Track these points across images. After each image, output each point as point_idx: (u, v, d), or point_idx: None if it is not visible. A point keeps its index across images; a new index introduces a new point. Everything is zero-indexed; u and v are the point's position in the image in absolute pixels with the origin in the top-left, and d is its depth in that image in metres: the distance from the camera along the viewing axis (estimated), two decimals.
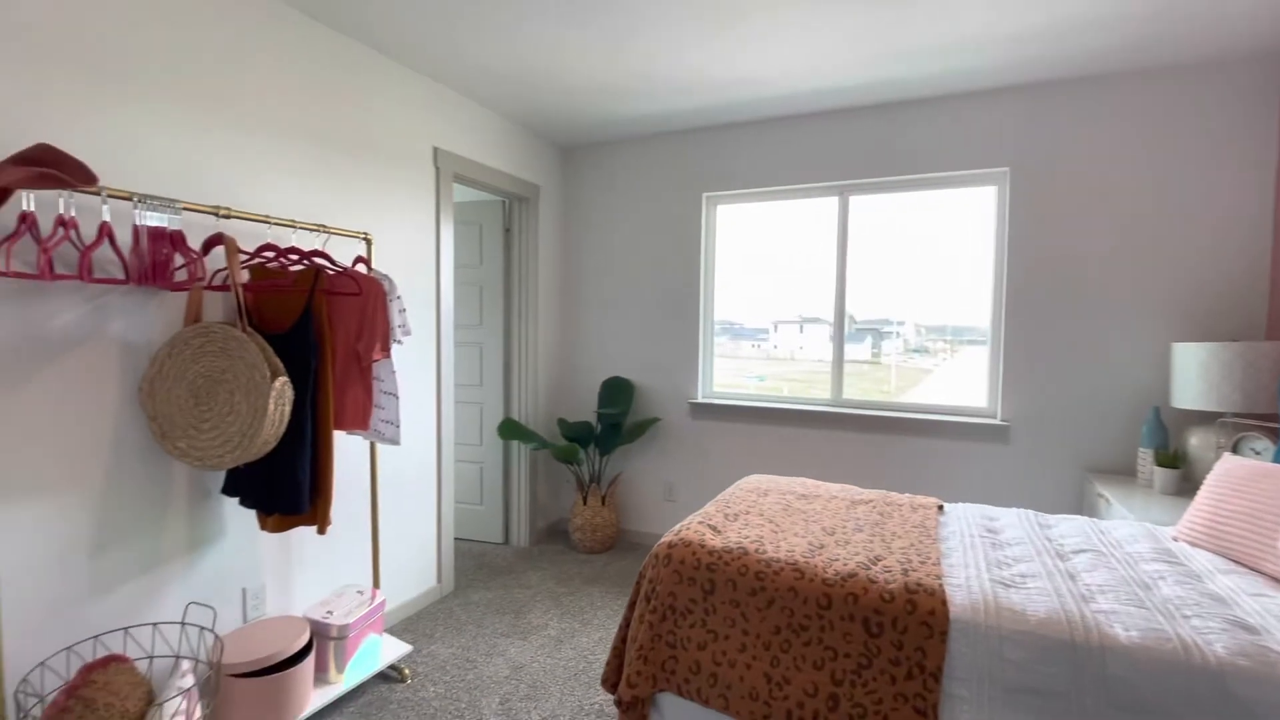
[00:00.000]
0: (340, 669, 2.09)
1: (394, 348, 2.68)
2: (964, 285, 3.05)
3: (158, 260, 1.70)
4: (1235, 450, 2.23)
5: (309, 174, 2.28)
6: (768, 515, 2.01)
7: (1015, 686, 1.35)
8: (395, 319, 2.20)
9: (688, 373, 3.59)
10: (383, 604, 2.28)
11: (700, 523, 1.90)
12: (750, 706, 1.55)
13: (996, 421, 2.91)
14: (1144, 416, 2.68)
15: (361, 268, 2.38)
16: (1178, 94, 2.59)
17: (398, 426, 2.19)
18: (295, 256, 1.99)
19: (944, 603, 1.44)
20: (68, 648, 1.59)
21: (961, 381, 3.09)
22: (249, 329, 1.75)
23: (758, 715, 1.54)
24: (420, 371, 2.84)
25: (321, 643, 2.07)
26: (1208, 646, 1.27)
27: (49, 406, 1.60)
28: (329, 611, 2.13)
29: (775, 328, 3.54)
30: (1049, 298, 2.82)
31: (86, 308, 1.67)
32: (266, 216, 1.96)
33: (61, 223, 1.51)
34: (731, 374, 3.62)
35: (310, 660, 1.96)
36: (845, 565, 1.62)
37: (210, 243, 1.80)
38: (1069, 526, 1.99)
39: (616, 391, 3.68)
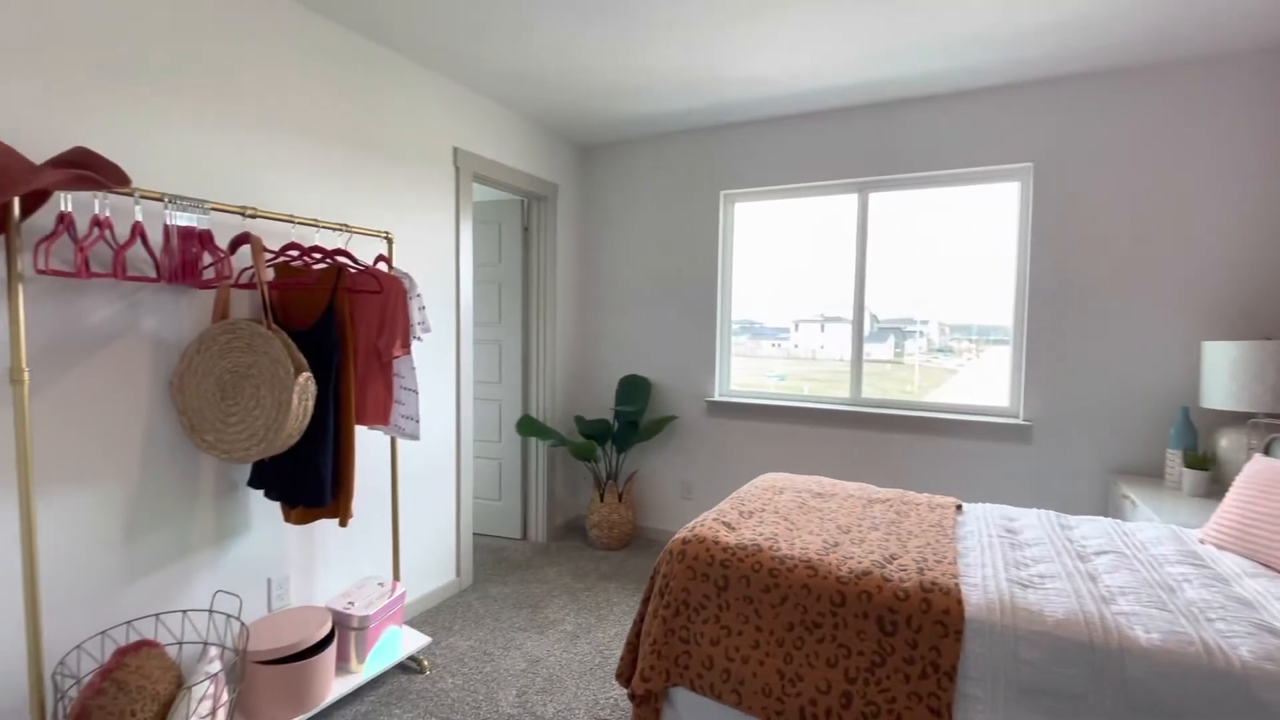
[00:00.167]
0: (361, 659, 2.13)
1: (414, 344, 2.73)
2: (988, 284, 3.01)
3: (187, 259, 1.75)
4: (1267, 452, 2.16)
5: (332, 174, 2.33)
6: (783, 513, 2.01)
7: (1031, 687, 1.33)
8: (415, 316, 2.24)
9: (705, 371, 3.60)
10: (402, 596, 2.32)
11: (715, 519, 1.90)
12: (763, 702, 1.55)
13: (1019, 421, 2.86)
14: (1172, 417, 2.62)
15: (383, 266, 2.43)
16: (1206, 86, 2.52)
17: (418, 422, 2.23)
18: (318, 255, 2.04)
19: (959, 602, 1.43)
20: (102, 632, 1.66)
21: (986, 382, 3.04)
22: (274, 326, 1.79)
23: (770, 711, 1.54)
24: (440, 368, 2.88)
25: (343, 633, 2.12)
26: (1232, 650, 1.24)
27: (85, 400, 1.67)
28: (350, 602, 2.18)
29: (796, 327, 3.52)
30: (1073, 295, 2.76)
31: (120, 305, 1.73)
32: (291, 216, 2.01)
33: (97, 223, 1.56)
34: (751, 373, 3.61)
35: (332, 650, 2.01)
36: (860, 563, 1.61)
37: (237, 242, 1.85)
38: (1091, 528, 1.95)
39: (634, 389, 3.69)
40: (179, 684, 1.61)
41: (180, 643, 1.80)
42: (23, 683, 1.56)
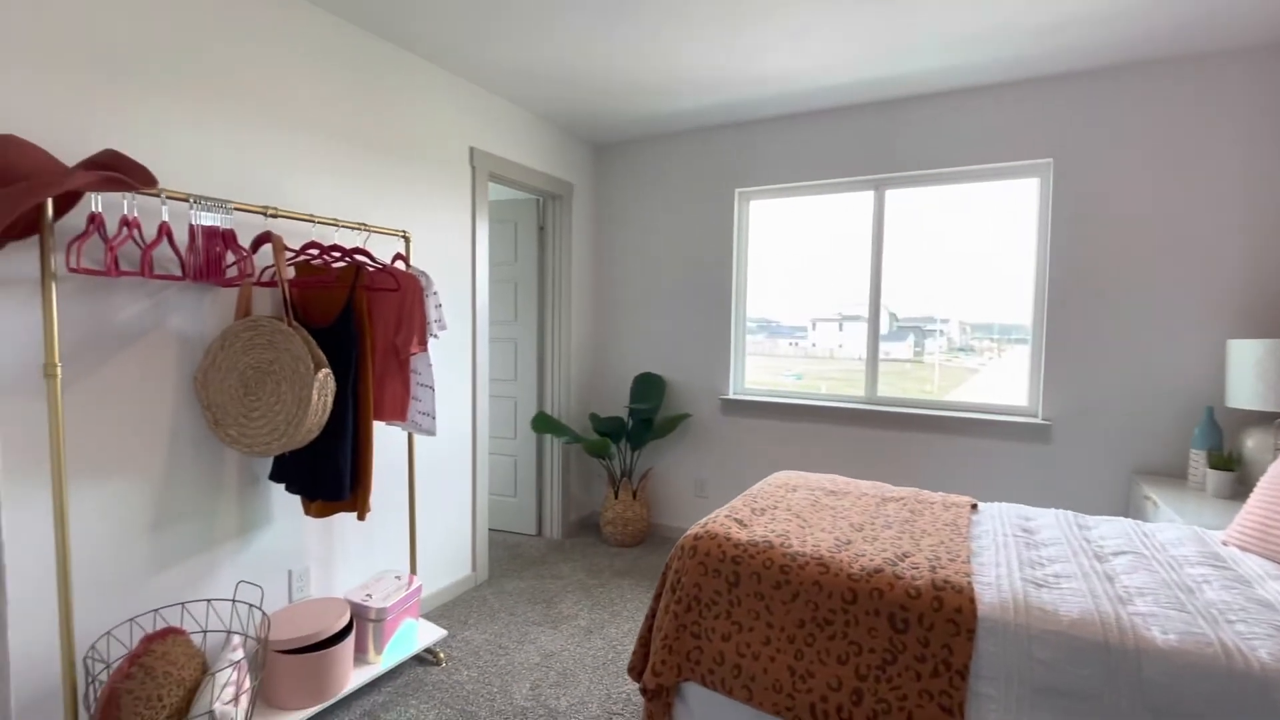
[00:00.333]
0: (379, 650, 2.17)
1: (431, 342, 2.77)
2: (1010, 282, 2.96)
3: (211, 257, 1.80)
4: None
5: (351, 174, 2.37)
6: (795, 511, 2.01)
7: (1045, 687, 1.32)
8: (432, 314, 2.27)
9: (719, 369, 3.60)
10: (419, 589, 2.36)
11: (727, 516, 1.91)
12: (773, 698, 1.56)
13: (1038, 420, 2.82)
14: (1196, 416, 2.56)
15: (400, 265, 2.47)
16: (1229, 78, 2.46)
17: (434, 418, 2.26)
18: (338, 254, 2.08)
19: (972, 600, 1.42)
20: (130, 619, 1.71)
21: (1008, 382, 3.00)
22: (294, 323, 1.84)
23: (781, 707, 1.55)
24: (456, 366, 2.92)
25: (361, 624, 2.16)
26: (1251, 652, 1.22)
27: (115, 395, 1.72)
28: (368, 595, 2.22)
29: (814, 325, 3.50)
30: (1094, 292, 2.72)
31: (147, 303, 1.78)
32: (311, 215, 2.05)
33: (125, 223, 1.61)
34: (768, 372, 3.60)
35: (351, 640, 2.05)
36: (871, 561, 1.61)
37: (259, 241, 1.89)
38: (1110, 528, 1.93)
39: (648, 387, 3.71)
40: (203, 670, 1.66)
41: (205, 631, 1.85)
42: (56, 667, 1.62)
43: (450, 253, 2.86)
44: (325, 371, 1.79)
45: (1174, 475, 2.61)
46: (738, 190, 3.51)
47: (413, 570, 2.52)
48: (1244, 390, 2.22)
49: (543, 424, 3.40)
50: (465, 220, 2.94)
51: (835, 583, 1.56)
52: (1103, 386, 2.72)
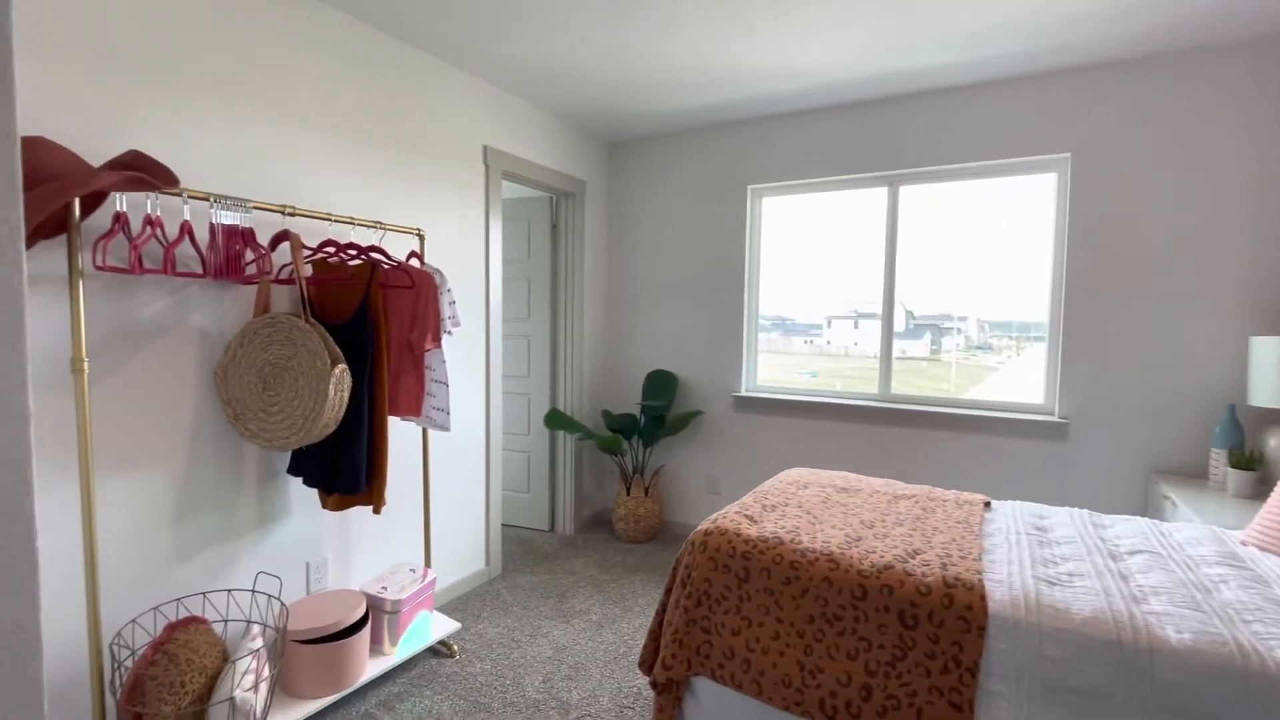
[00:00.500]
0: (394, 642, 2.21)
1: (445, 338, 2.80)
2: (1029, 279, 2.92)
3: (231, 255, 1.84)
4: None
5: (367, 173, 2.41)
6: (806, 507, 2.01)
7: (1057, 685, 1.32)
8: (446, 311, 2.30)
9: (732, 366, 3.60)
10: (433, 583, 2.39)
11: (737, 512, 1.92)
12: (783, 693, 1.56)
13: (1054, 418, 2.79)
14: (1217, 415, 2.52)
15: (415, 262, 2.50)
16: (1252, 70, 2.41)
17: (448, 414, 2.29)
18: (354, 251, 2.11)
19: (983, 598, 1.42)
20: (154, 608, 1.76)
21: (1027, 380, 2.97)
22: (312, 319, 1.87)
23: (790, 702, 1.55)
24: (470, 362, 2.95)
25: (377, 616, 2.20)
26: (1269, 652, 1.20)
27: (139, 389, 1.77)
28: (384, 587, 2.26)
29: (829, 323, 3.48)
30: (1112, 288, 2.68)
31: (170, 300, 1.83)
32: (328, 214, 2.08)
33: (149, 222, 1.65)
34: (783, 370, 3.59)
35: (366, 632, 2.09)
36: (882, 558, 1.61)
37: (277, 239, 1.93)
38: (1126, 527, 1.90)
39: (660, 384, 3.72)
40: (224, 658, 1.71)
41: (225, 620, 1.89)
42: (84, 653, 1.67)
43: (464, 250, 2.89)
44: (342, 367, 1.83)
45: (1194, 475, 2.57)
46: (750, 187, 3.50)
47: (427, 564, 2.56)
48: (1266, 388, 2.18)
49: (555, 420, 3.42)
50: (479, 218, 2.96)
51: (845, 579, 1.56)
52: (1121, 384, 2.68)
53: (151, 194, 1.69)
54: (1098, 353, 2.72)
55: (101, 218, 1.66)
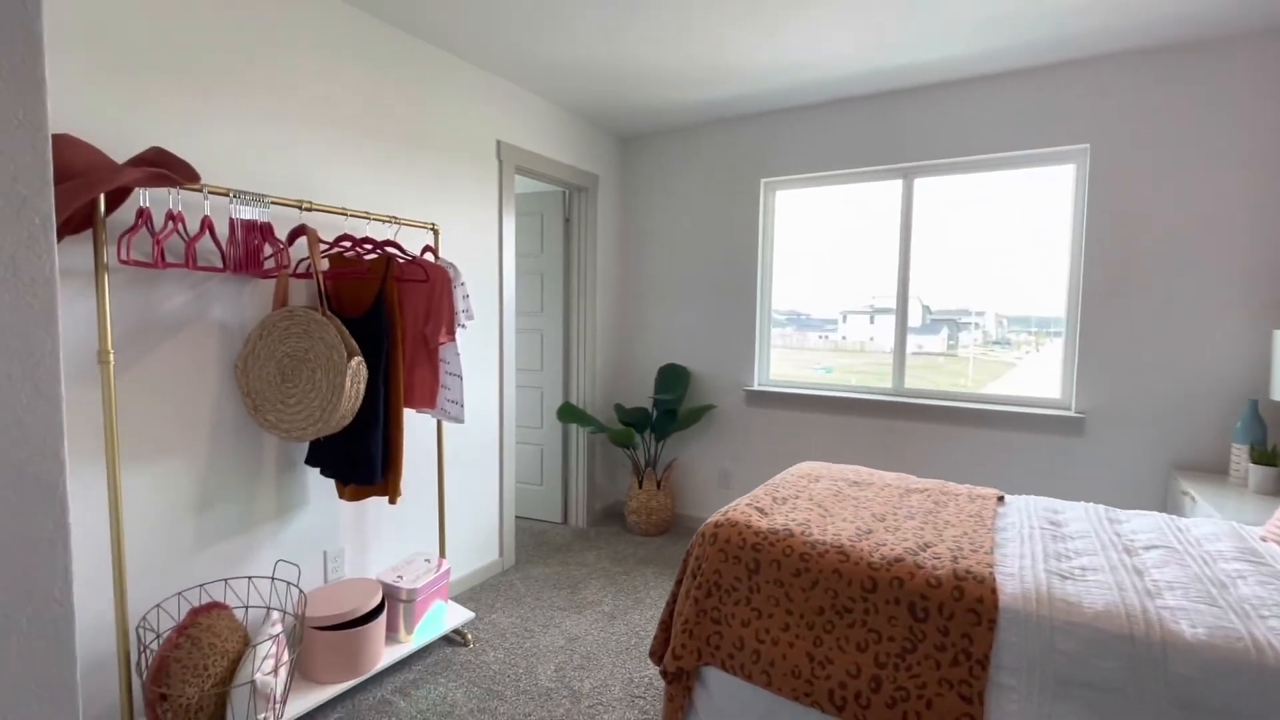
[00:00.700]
0: (409, 630, 2.25)
1: (459, 332, 2.83)
2: (1049, 273, 2.88)
3: (250, 250, 1.87)
4: None
5: (381, 168, 2.44)
6: (817, 500, 2.01)
7: (1068, 679, 1.31)
8: (460, 304, 2.33)
9: (744, 360, 3.59)
10: (448, 572, 2.43)
11: (748, 505, 1.92)
12: (792, 684, 1.57)
13: (1071, 413, 2.76)
14: (1238, 410, 2.48)
15: (429, 256, 2.53)
16: (1274, 59, 2.36)
17: (462, 406, 2.32)
18: (369, 246, 2.14)
19: (993, 590, 1.42)
20: (178, 593, 1.81)
21: (1046, 375, 2.93)
22: (328, 313, 1.90)
23: (799, 693, 1.56)
24: (484, 356, 2.98)
25: (393, 604, 2.24)
26: None
27: (162, 381, 1.81)
28: (399, 576, 2.30)
29: (844, 318, 3.46)
30: (1131, 280, 2.64)
31: (191, 294, 1.87)
32: (344, 209, 2.11)
33: (170, 217, 1.69)
34: (797, 366, 3.57)
35: (382, 619, 2.13)
36: (892, 550, 1.61)
37: (295, 234, 1.97)
38: (1143, 522, 1.88)
39: (672, 378, 3.73)
40: (245, 643, 1.75)
41: (246, 606, 1.94)
42: (111, 636, 1.72)
43: (477, 245, 2.91)
44: (358, 360, 1.86)
45: (1214, 470, 2.53)
46: (763, 180, 3.49)
47: (442, 554, 2.60)
48: None
49: (568, 414, 3.44)
50: (492, 213, 2.99)
51: (855, 571, 1.57)
52: (1140, 378, 2.64)
53: (173, 189, 1.73)
54: (1116, 346, 2.68)
55: (125, 213, 1.70)
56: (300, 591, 1.92)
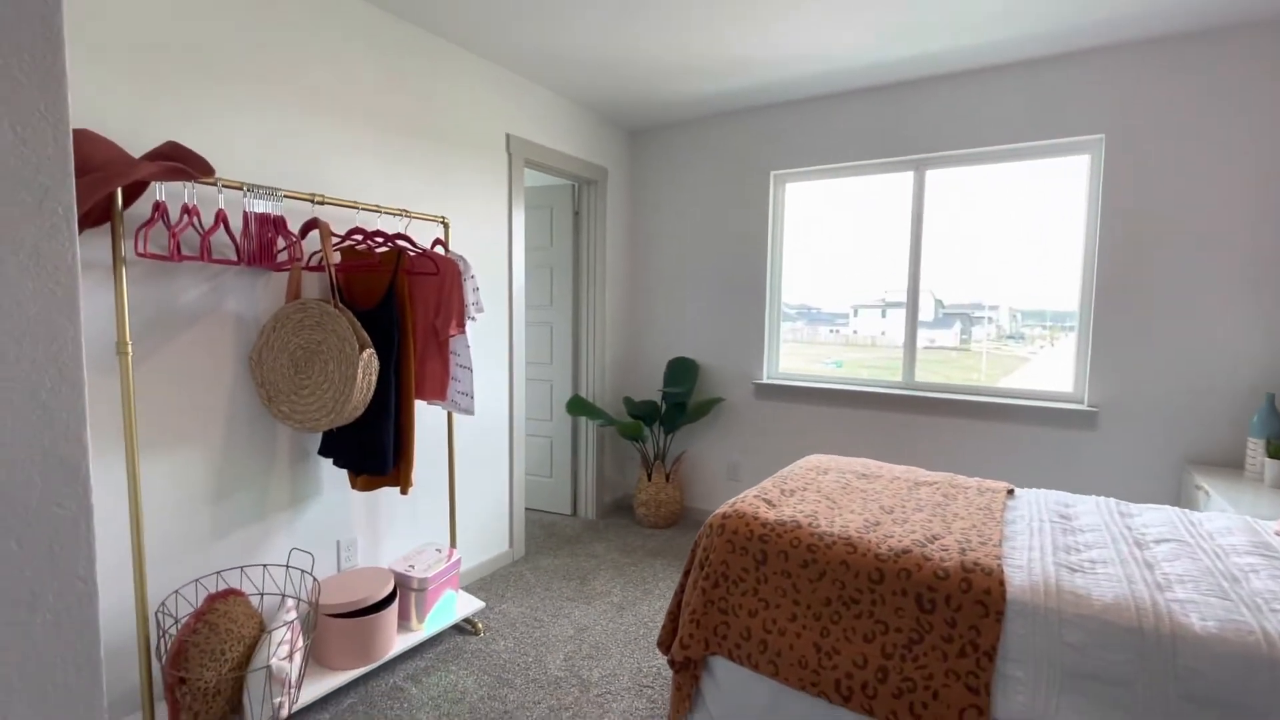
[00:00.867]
0: (421, 618, 2.28)
1: (469, 325, 2.85)
2: (1064, 268, 2.84)
3: (264, 243, 1.90)
4: None
5: (392, 161, 2.45)
6: (825, 492, 2.02)
7: (1076, 671, 1.31)
8: (470, 297, 2.35)
9: (753, 353, 3.59)
10: (458, 562, 2.46)
11: (756, 496, 1.93)
12: (799, 674, 1.58)
13: (1083, 407, 2.74)
14: (1255, 404, 2.45)
15: (439, 250, 2.54)
16: None
17: (472, 398, 2.34)
18: (380, 239, 2.16)
19: (1001, 583, 1.42)
20: (195, 580, 1.85)
21: (1060, 370, 2.90)
22: (340, 305, 1.93)
23: (806, 683, 1.57)
24: (493, 348, 3.00)
25: (404, 593, 2.27)
26: None
27: (178, 373, 1.85)
28: (411, 565, 2.33)
29: (855, 312, 3.45)
30: (1146, 273, 2.61)
31: (206, 286, 1.90)
32: (355, 202, 2.13)
33: (186, 210, 1.72)
34: (807, 360, 3.56)
35: (394, 608, 2.16)
36: (900, 542, 1.61)
37: (307, 227, 1.99)
38: (1154, 516, 1.87)
39: (681, 371, 3.73)
40: (261, 629, 1.79)
41: (261, 593, 1.98)
42: (132, 620, 1.76)
43: (487, 238, 2.93)
44: (369, 352, 1.88)
45: (1230, 465, 2.50)
46: (773, 173, 3.48)
47: (452, 544, 2.62)
48: None
49: (577, 407, 3.46)
50: (501, 206, 3.00)
51: (862, 562, 1.57)
52: (1153, 371, 2.61)
53: (188, 184, 1.75)
54: (1130, 339, 2.65)
55: (142, 207, 1.73)
56: (314, 579, 1.95)
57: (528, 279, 3.84)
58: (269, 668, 1.66)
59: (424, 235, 2.61)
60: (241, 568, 1.98)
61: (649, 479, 3.63)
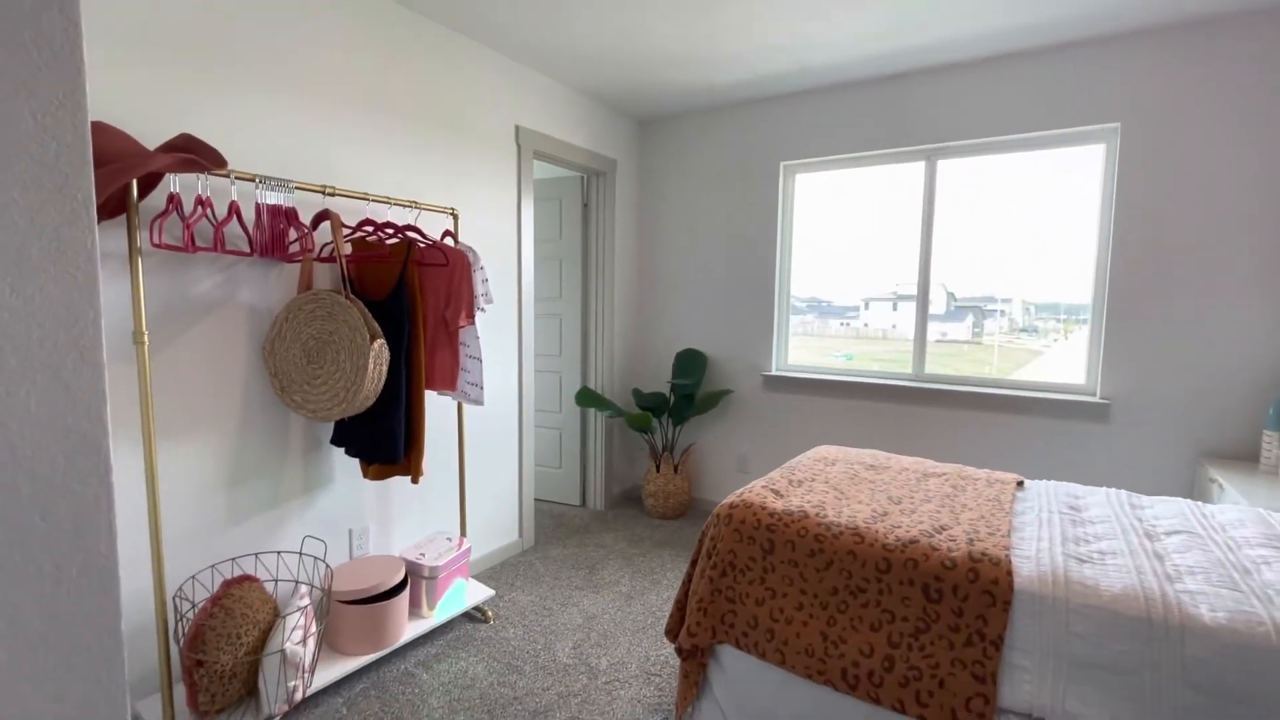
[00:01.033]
0: (431, 606, 2.31)
1: (478, 316, 2.86)
2: (1077, 260, 2.81)
3: (276, 234, 1.92)
4: None
5: (402, 153, 2.47)
6: (833, 483, 2.02)
7: (1083, 661, 1.31)
8: (479, 288, 2.36)
9: (762, 345, 3.59)
10: (468, 551, 2.49)
11: (763, 487, 1.93)
12: (806, 662, 1.59)
13: (1095, 399, 2.71)
14: (1271, 396, 2.42)
15: (449, 241, 2.56)
16: None
17: (482, 389, 2.36)
18: (391, 230, 2.18)
19: (1009, 573, 1.42)
20: (211, 565, 1.88)
21: (1074, 363, 2.87)
22: (352, 296, 1.94)
23: (813, 671, 1.58)
24: (503, 339, 3.02)
25: (415, 581, 2.30)
26: None
27: (193, 362, 1.87)
28: (422, 554, 2.36)
29: (866, 305, 3.43)
30: (1161, 264, 2.57)
31: (219, 277, 1.92)
32: (365, 194, 2.15)
33: (200, 202, 1.74)
34: (817, 354, 3.55)
35: (406, 595, 2.19)
36: (907, 532, 1.61)
37: (318, 218, 2.01)
38: (1166, 508, 1.86)
39: (690, 363, 3.73)
40: (275, 614, 1.82)
41: (275, 580, 2.01)
42: (149, 604, 1.80)
43: (496, 229, 2.94)
44: (380, 342, 1.90)
45: (1245, 458, 2.47)
46: (783, 163, 3.46)
47: (463, 533, 2.65)
48: None
49: (586, 398, 3.48)
50: (511, 198, 3.01)
51: (869, 552, 1.57)
52: (1168, 364, 2.59)
53: (202, 175, 1.77)
54: (1144, 331, 2.63)
55: (156, 198, 1.75)
56: (327, 566, 1.98)
57: (537, 271, 3.85)
58: (283, 652, 1.69)
59: (434, 227, 2.62)
60: (256, 554, 2.01)
61: (657, 470, 3.65)
